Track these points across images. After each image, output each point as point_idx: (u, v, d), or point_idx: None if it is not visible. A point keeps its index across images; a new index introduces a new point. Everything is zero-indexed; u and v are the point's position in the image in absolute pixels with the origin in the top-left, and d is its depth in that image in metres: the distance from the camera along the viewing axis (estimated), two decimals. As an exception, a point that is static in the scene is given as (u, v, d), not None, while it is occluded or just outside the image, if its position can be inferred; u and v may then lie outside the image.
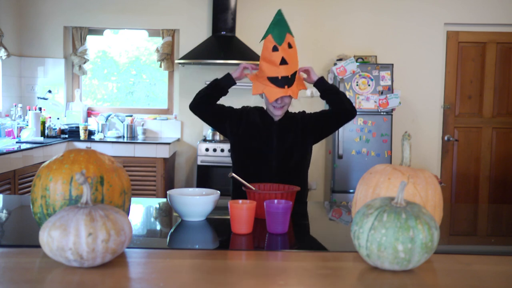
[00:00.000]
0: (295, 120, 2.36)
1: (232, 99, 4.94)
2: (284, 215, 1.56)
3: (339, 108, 2.31)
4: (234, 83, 2.34)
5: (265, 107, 2.40)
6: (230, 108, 2.40)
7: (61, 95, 5.05)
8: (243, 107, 2.43)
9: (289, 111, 2.42)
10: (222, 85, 2.33)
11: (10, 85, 4.82)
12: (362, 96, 4.35)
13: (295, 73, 2.20)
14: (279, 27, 2.16)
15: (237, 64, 4.64)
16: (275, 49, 2.14)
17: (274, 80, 2.15)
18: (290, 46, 2.17)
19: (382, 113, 4.37)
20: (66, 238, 1.08)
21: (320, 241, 1.67)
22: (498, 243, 1.70)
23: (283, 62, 2.14)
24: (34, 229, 1.42)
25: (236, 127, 2.33)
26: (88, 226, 1.10)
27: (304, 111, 2.43)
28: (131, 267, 1.19)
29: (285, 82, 2.16)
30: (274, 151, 2.29)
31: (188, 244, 1.53)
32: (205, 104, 2.32)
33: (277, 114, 2.30)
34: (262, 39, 2.21)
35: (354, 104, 4.27)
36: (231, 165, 2.44)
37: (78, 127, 4.67)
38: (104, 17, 4.99)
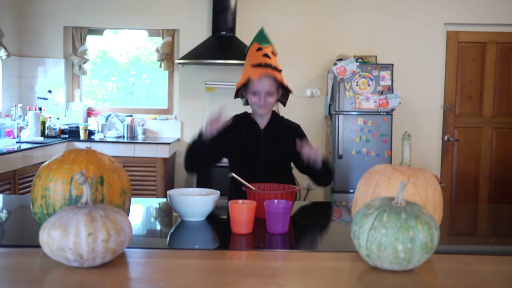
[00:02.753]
0: (285, 131, 2.31)
1: (232, 99, 4.95)
2: (284, 215, 1.56)
3: (317, 180, 2.30)
4: (209, 139, 2.13)
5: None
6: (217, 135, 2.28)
7: (61, 95, 5.05)
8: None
9: (278, 113, 2.38)
10: (201, 148, 2.16)
11: (10, 85, 4.82)
12: (362, 96, 4.35)
13: (279, 70, 2.21)
14: (263, 39, 2.24)
15: (237, 64, 4.65)
16: (259, 49, 2.21)
17: (258, 65, 2.17)
18: (273, 53, 2.24)
19: (382, 113, 4.37)
20: (66, 238, 1.08)
21: (320, 241, 1.67)
22: (498, 243, 1.70)
23: (266, 55, 2.19)
24: (34, 229, 1.42)
25: (226, 144, 2.30)
26: (88, 226, 1.10)
27: (299, 127, 2.37)
28: (131, 267, 1.19)
29: (269, 67, 2.17)
30: (261, 161, 2.27)
31: (188, 244, 1.53)
32: (201, 167, 2.28)
33: (261, 112, 2.24)
34: (247, 50, 2.26)
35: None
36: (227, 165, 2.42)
37: (78, 127, 4.67)
38: (104, 17, 4.99)
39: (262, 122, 2.31)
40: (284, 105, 2.40)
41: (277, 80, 2.20)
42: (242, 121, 2.34)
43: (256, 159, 2.28)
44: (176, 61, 4.83)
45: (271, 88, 2.20)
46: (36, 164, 3.84)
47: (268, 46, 2.23)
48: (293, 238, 1.61)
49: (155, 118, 5.09)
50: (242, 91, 2.32)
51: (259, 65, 2.17)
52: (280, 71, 2.23)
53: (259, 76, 2.15)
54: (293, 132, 2.32)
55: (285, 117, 2.42)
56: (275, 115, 2.35)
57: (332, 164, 2.29)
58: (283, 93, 2.34)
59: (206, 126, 2.10)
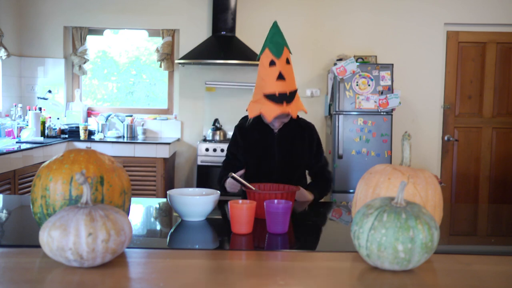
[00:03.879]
0: (300, 132, 2.24)
1: (232, 99, 4.95)
2: (284, 215, 1.56)
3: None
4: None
5: None
6: (234, 148, 2.30)
7: (61, 95, 5.05)
8: (240, 125, 2.30)
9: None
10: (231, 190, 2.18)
11: (10, 85, 4.82)
12: (362, 96, 4.35)
13: (294, 92, 2.06)
14: (276, 41, 2.05)
15: (237, 64, 4.65)
16: (272, 63, 2.02)
17: (272, 97, 2.01)
18: (287, 61, 2.07)
19: (382, 113, 4.37)
20: (66, 238, 1.08)
21: (320, 241, 1.67)
22: (498, 243, 1.70)
23: (280, 77, 2.01)
24: (34, 229, 1.42)
25: (242, 149, 2.27)
26: (88, 226, 1.10)
27: (313, 127, 2.33)
28: (131, 267, 1.19)
29: (283, 98, 2.01)
30: (275, 166, 2.22)
31: (188, 244, 1.53)
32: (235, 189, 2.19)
33: (275, 128, 2.24)
34: (259, 56, 2.10)
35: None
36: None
37: (78, 127, 4.67)
38: (104, 17, 4.99)
39: (276, 125, 2.25)
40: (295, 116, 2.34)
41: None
42: (255, 122, 2.26)
43: (271, 164, 2.21)
44: (176, 61, 4.83)
45: (286, 118, 2.20)
46: (36, 164, 3.84)
47: (282, 52, 2.04)
48: (293, 238, 1.61)
49: (155, 118, 5.09)
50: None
51: (273, 97, 2.00)
52: (295, 91, 2.08)
53: (273, 118, 2.07)
54: (308, 133, 2.26)
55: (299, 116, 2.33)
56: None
57: (331, 176, 2.29)
58: None
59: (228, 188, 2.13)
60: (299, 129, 2.26)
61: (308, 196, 2.17)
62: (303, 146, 2.25)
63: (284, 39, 2.09)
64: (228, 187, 2.17)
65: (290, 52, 2.10)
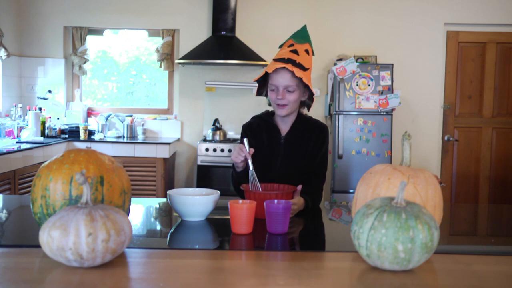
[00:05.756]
0: (307, 135, 2.08)
1: (232, 99, 4.96)
2: (284, 215, 1.56)
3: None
4: (242, 169, 2.02)
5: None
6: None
7: (61, 95, 5.05)
8: (249, 124, 2.16)
9: (303, 114, 2.15)
10: (243, 179, 2.02)
11: (10, 85, 4.82)
12: (362, 96, 4.35)
13: (305, 68, 1.97)
14: (299, 36, 2.03)
15: (237, 64, 4.65)
16: (291, 45, 2.01)
17: (280, 60, 1.97)
18: (307, 52, 2.02)
19: (382, 113, 4.37)
20: (66, 238, 1.08)
21: (320, 241, 1.67)
22: (498, 243, 1.70)
23: (295, 52, 1.97)
24: (34, 229, 1.42)
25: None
26: (88, 226, 1.10)
27: (323, 129, 2.11)
28: (131, 267, 1.19)
29: (291, 61, 1.95)
30: (277, 172, 2.07)
31: (188, 244, 1.53)
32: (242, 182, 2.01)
33: (280, 113, 2.04)
34: (280, 46, 2.06)
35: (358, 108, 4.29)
36: (231, 165, 2.33)
37: (78, 127, 4.67)
38: (104, 17, 4.99)
39: (285, 127, 2.10)
40: (309, 109, 2.17)
41: (298, 77, 1.96)
42: (263, 124, 2.14)
43: (274, 169, 2.08)
44: (176, 61, 4.83)
45: (290, 82, 1.97)
46: (36, 164, 3.84)
47: (303, 43, 2.00)
48: (293, 238, 1.61)
49: (155, 118, 5.09)
50: (266, 90, 2.11)
51: (281, 60, 1.97)
52: (306, 69, 1.98)
53: (274, 69, 1.95)
54: (315, 136, 2.08)
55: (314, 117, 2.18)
56: (300, 118, 2.12)
57: (320, 185, 2.12)
58: (310, 95, 2.10)
59: (234, 163, 1.99)
60: (308, 131, 2.09)
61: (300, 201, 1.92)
62: (308, 150, 2.09)
63: (310, 39, 2.05)
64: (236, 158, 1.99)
65: (312, 49, 2.05)
